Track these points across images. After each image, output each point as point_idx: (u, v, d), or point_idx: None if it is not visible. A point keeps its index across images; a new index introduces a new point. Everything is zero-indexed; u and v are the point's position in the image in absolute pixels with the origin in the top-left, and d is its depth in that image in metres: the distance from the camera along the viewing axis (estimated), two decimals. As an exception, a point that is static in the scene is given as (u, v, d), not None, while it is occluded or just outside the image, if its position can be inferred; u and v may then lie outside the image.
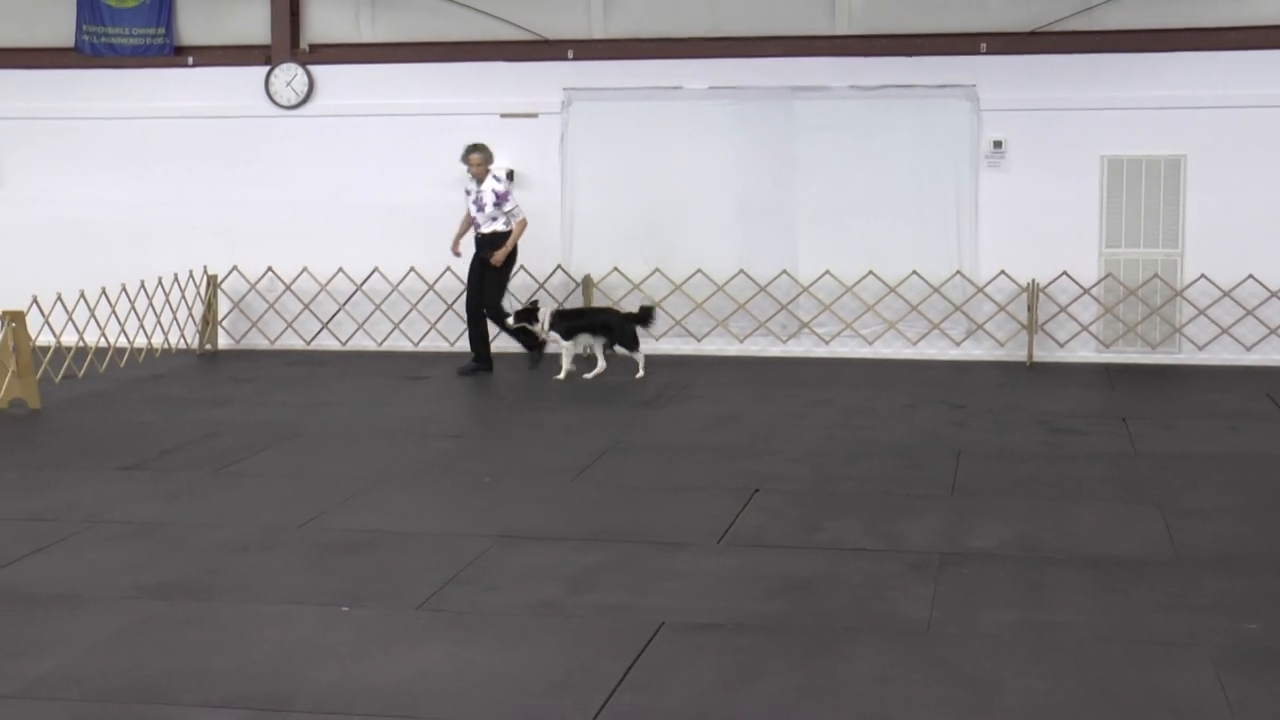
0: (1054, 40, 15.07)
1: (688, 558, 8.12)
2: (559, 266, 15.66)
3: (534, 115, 15.69)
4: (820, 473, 10.12)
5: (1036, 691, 6.14)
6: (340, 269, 15.91)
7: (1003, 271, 15.11)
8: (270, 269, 16.05)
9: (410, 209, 15.81)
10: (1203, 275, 14.89)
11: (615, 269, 15.56)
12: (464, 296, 14.66)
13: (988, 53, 15.08)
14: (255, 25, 16.17)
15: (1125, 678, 6.29)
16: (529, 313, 14.15)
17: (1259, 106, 14.74)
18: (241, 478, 10.14)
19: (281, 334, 16.14)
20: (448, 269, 15.60)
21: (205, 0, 16.24)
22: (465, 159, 14.25)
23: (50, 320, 14.03)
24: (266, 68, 16.04)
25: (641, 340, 14.37)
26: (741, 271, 15.42)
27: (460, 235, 14.46)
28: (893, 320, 15.31)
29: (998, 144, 15.08)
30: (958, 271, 15.21)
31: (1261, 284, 14.78)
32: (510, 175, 15.62)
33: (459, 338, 15.71)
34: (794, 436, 11.39)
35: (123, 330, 14.94)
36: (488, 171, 14.22)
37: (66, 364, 13.99)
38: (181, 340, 15.80)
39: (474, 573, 7.84)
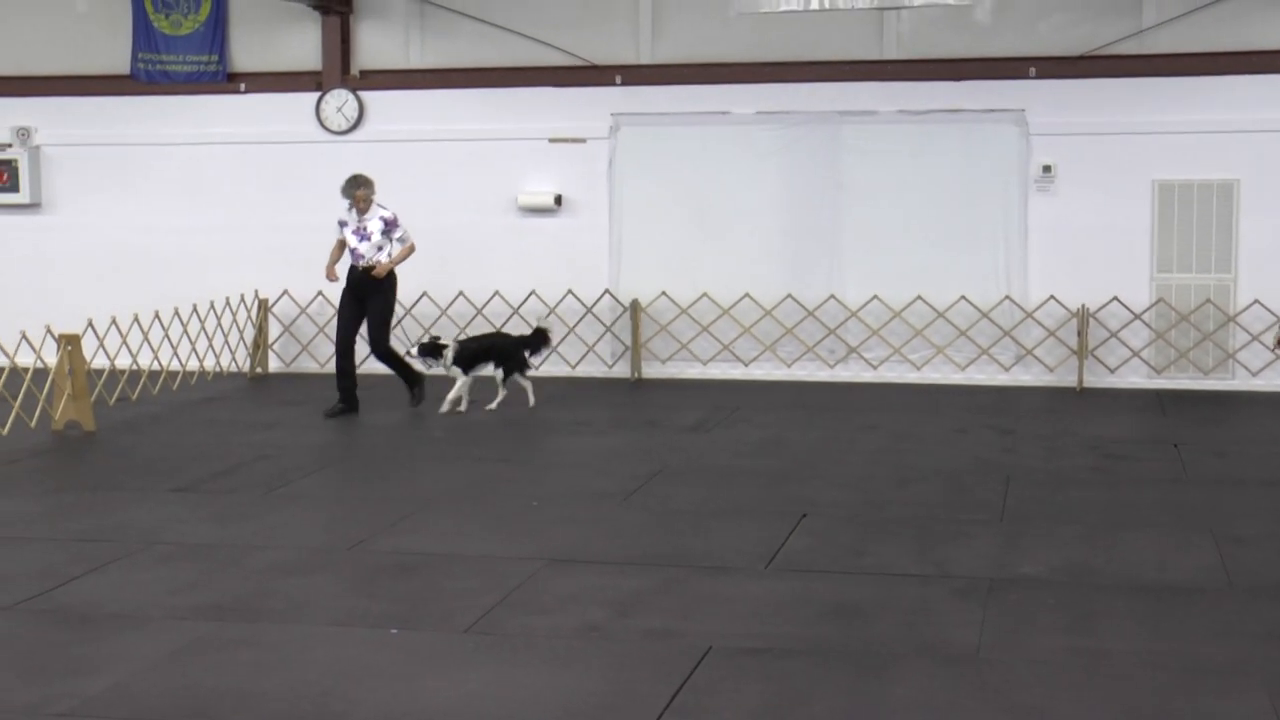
0: (1104, 64, 15.02)
1: (735, 582, 8.12)
2: (606, 291, 15.70)
3: (582, 140, 15.76)
4: (868, 497, 10.10)
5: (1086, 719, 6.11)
6: (390, 293, 15.98)
7: (1052, 296, 15.06)
8: (320, 293, 16.15)
9: (458, 233, 15.89)
10: (1256, 300, 14.80)
11: (663, 293, 15.59)
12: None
13: (1037, 77, 15.05)
14: (306, 52, 16.31)
15: (1176, 706, 6.25)
16: (435, 348, 13.48)
17: (1312, 130, 14.68)
18: (291, 500, 10.20)
19: (330, 358, 16.17)
20: (496, 293, 15.67)
21: (257, 27, 16.40)
22: (349, 194, 13.45)
23: (105, 343, 14.17)
24: (317, 94, 16.17)
25: (533, 365, 13.93)
26: (789, 296, 15.42)
27: (334, 263, 13.63)
28: (941, 345, 15.28)
29: (1047, 168, 15.05)
30: (1006, 296, 15.16)
31: (1314, 309, 14.68)
32: (558, 200, 15.68)
33: (507, 362, 15.76)
34: (842, 461, 11.38)
35: (175, 353, 15.07)
36: (372, 201, 13.51)
37: (120, 387, 14.12)
38: (233, 363, 15.91)
39: (522, 596, 7.86)
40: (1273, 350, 14.59)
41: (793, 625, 7.37)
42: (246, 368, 16.02)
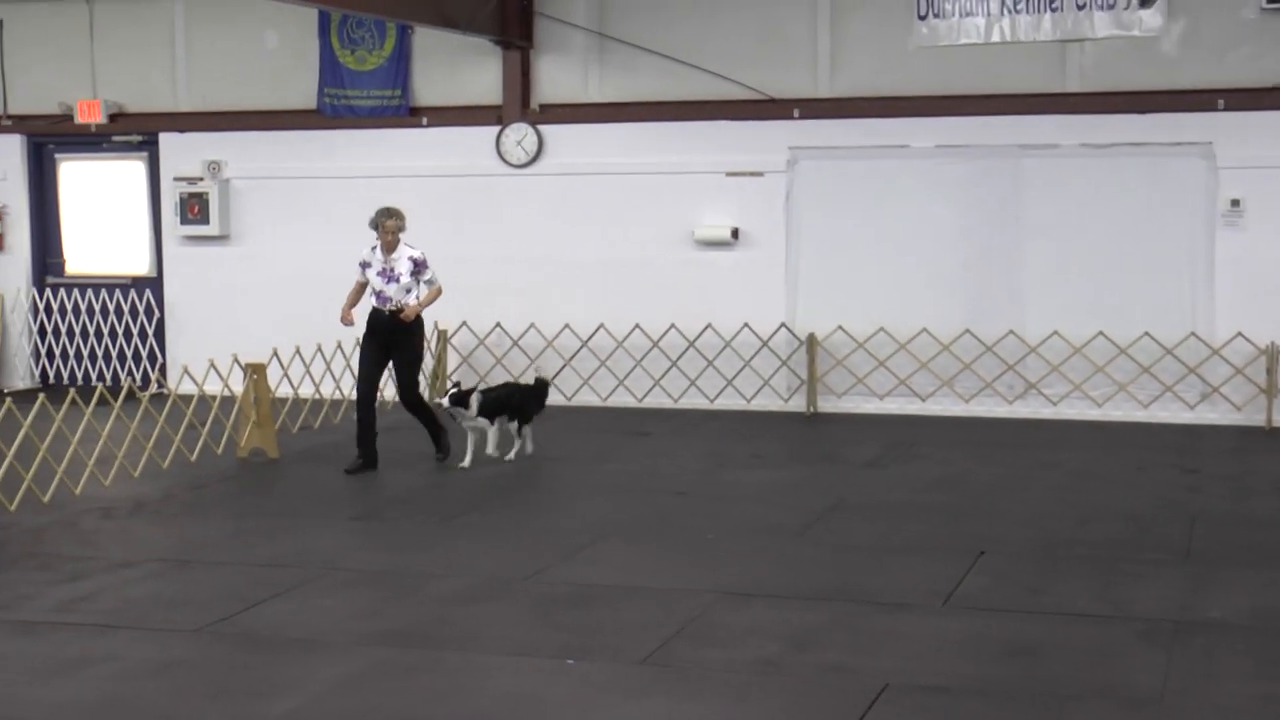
0: (1294, 96, 14.65)
1: (912, 619, 8.04)
2: (783, 324, 15.66)
3: (759, 174, 15.76)
4: (1047, 536, 9.93)
5: (1276, 768, 5.94)
6: (566, 325, 16.13)
7: (1240, 333, 14.68)
8: (499, 324, 16.34)
9: (636, 266, 15.98)
10: None
11: (839, 327, 15.51)
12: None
13: (1225, 109, 14.72)
14: (487, 86, 16.54)
15: (1371, 757, 6.05)
16: (464, 395, 12.47)
17: None
18: (468, 529, 10.32)
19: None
20: (672, 326, 15.72)
21: (439, 62, 16.67)
22: (379, 224, 12.54)
23: (289, 372, 14.49)
24: (498, 127, 16.39)
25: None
26: (967, 331, 15.25)
27: (351, 306, 12.72)
28: (1123, 382, 14.98)
29: (1235, 202, 14.69)
30: (1192, 333, 14.82)
31: None
32: (735, 234, 15.70)
33: (682, 394, 15.80)
34: (1020, 499, 11.21)
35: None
36: (399, 240, 12.58)
37: (304, 415, 14.42)
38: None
39: (697, 629, 7.86)
40: None
41: (970, 664, 7.27)
42: (426, 397, 16.23)
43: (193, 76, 17.32)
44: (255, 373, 12.91)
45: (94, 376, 17.53)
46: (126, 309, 17.58)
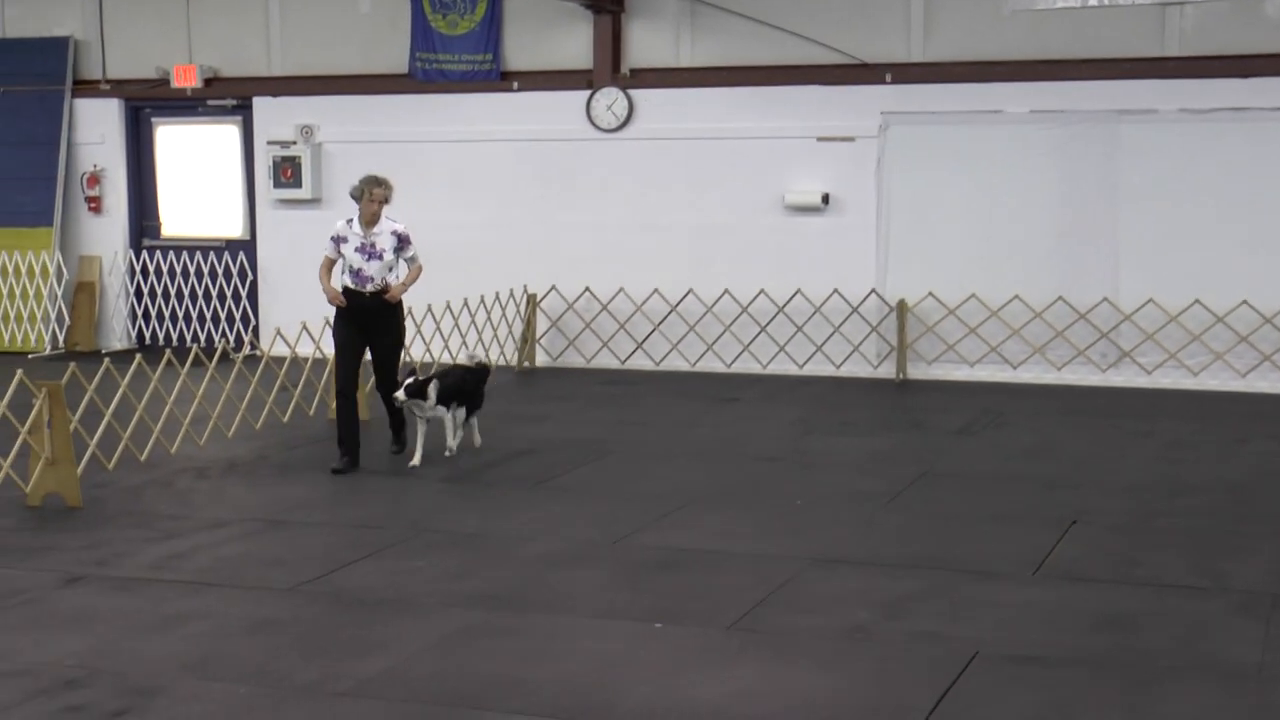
0: (1401, 60, 14.35)
1: (1002, 588, 7.98)
2: (873, 291, 15.57)
3: (850, 139, 15.65)
4: (1141, 506, 9.82)
5: (1375, 743, 5.85)
6: (655, 290, 16.12)
7: (1341, 302, 14.44)
8: (588, 289, 16.36)
9: (725, 232, 15.94)
10: None
11: (930, 294, 15.40)
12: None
13: (1329, 73, 14.45)
14: (578, 51, 16.52)
15: None
16: (421, 386, 11.07)
17: None
18: (558, 493, 10.35)
19: (597, 353, 16.43)
20: (761, 291, 15.67)
21: (530, 27, 16.68)
22: (364, 193, 11.09)
23: (379, 335, 14.55)
24: (588, 92, 16.38)
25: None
26: (1060, 298, 15.08)
27: (331, 283, 11.36)
28: (1220, 351, 14.77)
29: (1338, 168, 14.42)
30: (1292, 301, 14.60)
31: None
32: (826, 199, 15.62)
33: (771, 360, 15.76)
34: (1113, 468, 11.08)
35: (446, 346, 15.43)
36: (381, 213, 11.21)
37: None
38: (501, 357, 16.22)
39: (786, 595, 7.85)
40: None
41: (1061, 634, 7.21)
42: (515, 362, 16.32)
43: (286, 41, 17.44)
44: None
45: (189, 338, 17.75)
46: (220, 271, 17.78)
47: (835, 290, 15.54)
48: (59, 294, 17.70)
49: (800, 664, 6.82)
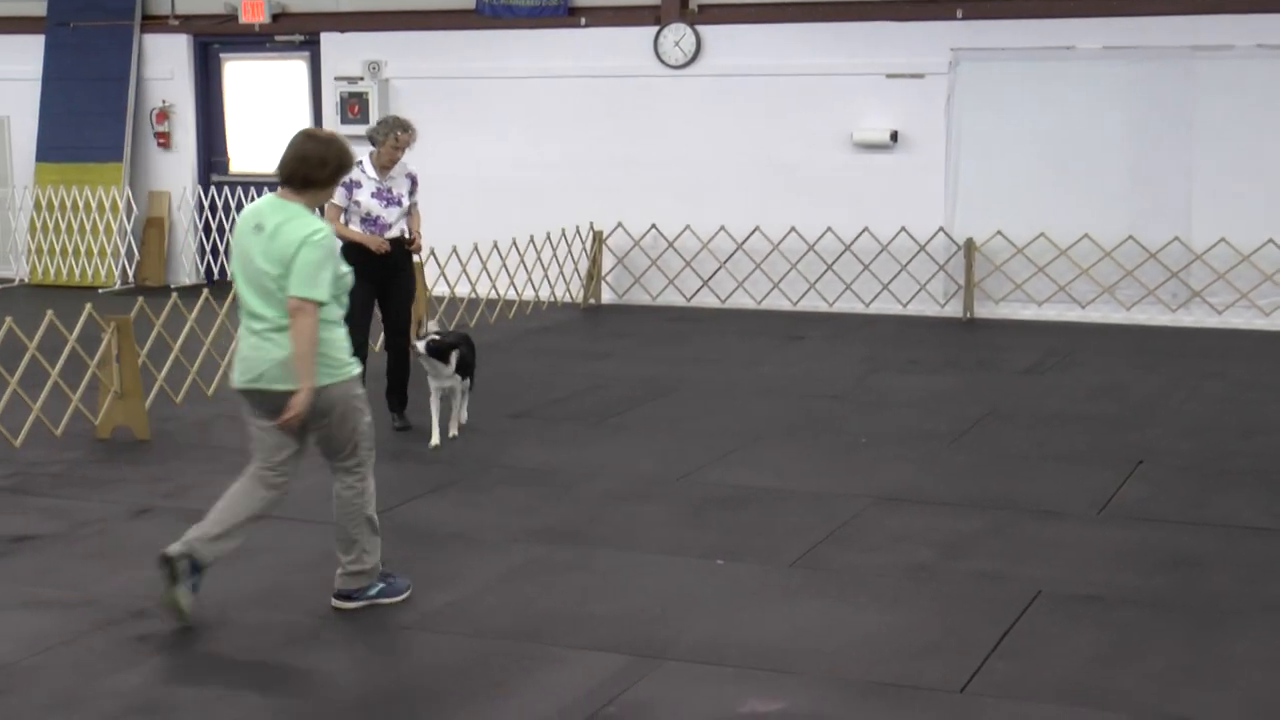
0: None
1: (1066, 528, 7.94)
2: (941, 229, 15.45)
3: (920, 76, 15.49)
4: (1210, 447, 9.73)
5: None
6: (722, 227, 16.06)
7: None
8: (654, 226, 16.32)
9: (793, 169, 15.83)
10: None
11: (998, 232, 15.26)
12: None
13: None
14: (646, -14, 16.43)
15: None
16: (445, 349, 9.89)
17: None
18: (622, 430, 10.37)
19: (663, 290, 16.40)
20: (828, 229, 15.58)
21: (598, -38, 16.59)
22: (387, 138, 10.03)
23: (445, 272, 14.61)
24: (656, 28, 16.27)
25: None
26: (1130, 238, 14.91)
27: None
28: (1293, 291, 14.58)
29: None
30: (1368, 241, 14.37)
31: None
32: (894, 137, 15.49)
33: (838, 298, 15.69)
34: (1182, 409, 10.98)
35: (512, 283, 15.45)
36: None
37: (459, 314, 14.55)
38: (567, 294, 16.23)
39: (848, 533, 7.85)
40: None
41: (1126, 574, 7.18)
42: (580, 299, 16.32)
43: (353, -24, 17.43)
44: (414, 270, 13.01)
45: (257, 274, 17.80)
46: (288, 207, 17.82)
47: (903, 228, 15.43)
48: (129, 229, 17.85)
49: (862, 602, 6.82)
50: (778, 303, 15.98)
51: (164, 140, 18.06)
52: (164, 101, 18.03)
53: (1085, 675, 5.95)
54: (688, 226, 16.18)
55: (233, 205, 17.89)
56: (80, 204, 17.83)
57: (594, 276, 16.38)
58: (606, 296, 16.59)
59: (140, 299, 11.19)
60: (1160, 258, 14.86)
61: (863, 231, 15.57)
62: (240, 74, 18.12)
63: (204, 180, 18.18)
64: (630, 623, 6.53)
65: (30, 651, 6.22)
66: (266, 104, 18.05)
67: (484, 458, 9.49)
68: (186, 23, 17.96)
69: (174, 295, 11.66)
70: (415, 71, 17.06)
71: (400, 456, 9.53)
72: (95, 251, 17.85)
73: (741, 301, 16.10)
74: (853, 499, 8.43)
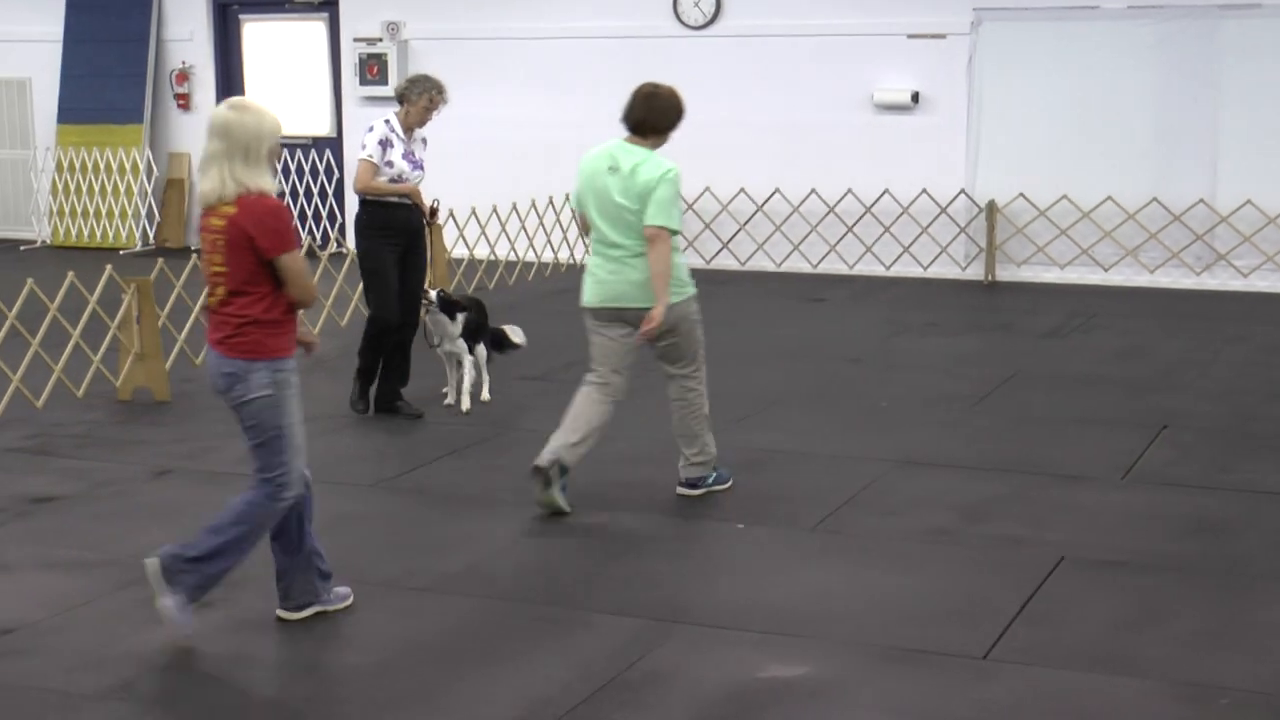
0: None
1: (1090, 492, 7.89)
2: (962, 191, 15.35)
3: (942, 36, 15.37)
4: (1235, 411, 9.66)
5: None
6: (742, 189, 15.98)
7: None
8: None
9: (813, 130, 15.73)
10: None
11: (1020, 194, 15.15)
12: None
13: None
14: (666, -55, 16.31)
15: None
16: (454, 305, 9.69)
17: None
18: (639, 392, 10.23)
19: (683, 252, 16.29)
20: (849, 191, 15.49)
21: (619, -79, 16.46)
22: (425, 98, 9.71)
23: (464, 233, 14.56)
24: (676, -12, 16.18)
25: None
26: (1154, 200, 14.80)
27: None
28: (1318, 254, 14.47)
29: None
30: (1394, 204, 14.24)
31: None
32: (915, 98, 15.38)
33: (858, 261, 15.61)
34: (1206, 373, 10.90)
35: (531, 245, 15.40)
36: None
37: (478, 276, 14.51)
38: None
39: (870, 496, 7.80)
40: None
41: (1150, 539, 7.13)
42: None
43: (372, -64, 17.33)
44: (433, 233, 12.96)
45: (276, 235, 17.78)
46: (307, 168, 17.81)
47: (924, 190, 15.34)
48: (149, 191, 17.83)
49: (883, 566, 6.78)
50: (798, 265, 15.91)
51: (184, 102, 18.02)
52: (184, 63, 17.98)
53: (1109, 641, 5.91)
54: (707, 188, 16.10)
55: (252, 167, 17.81)
56: (101, 165, 17.81)
57: (611, 238, 16.29)
58: (626, 259, 16.49)
59: (160, 260, 11.17)
60: (1185, 220, 14.74)
61: (883, 193, 15.48)
62: (259, 35, 18.06)
63: (223, 141, 18.10)
64: (650, 587, 6.50)
65: (52, 611, 6.22)
66: (285, 65, 17.98)
67: (502, 420, 9.46)
68: (205, -17, 17.91)
69: (194, 256, 11.62)
70: (434, 32, 16.98)
71: (417, 421, 9.49)
72: (116, 213, 17.83)
73: (761, 263, 16.03)
74: (874, 462, 8.39)
